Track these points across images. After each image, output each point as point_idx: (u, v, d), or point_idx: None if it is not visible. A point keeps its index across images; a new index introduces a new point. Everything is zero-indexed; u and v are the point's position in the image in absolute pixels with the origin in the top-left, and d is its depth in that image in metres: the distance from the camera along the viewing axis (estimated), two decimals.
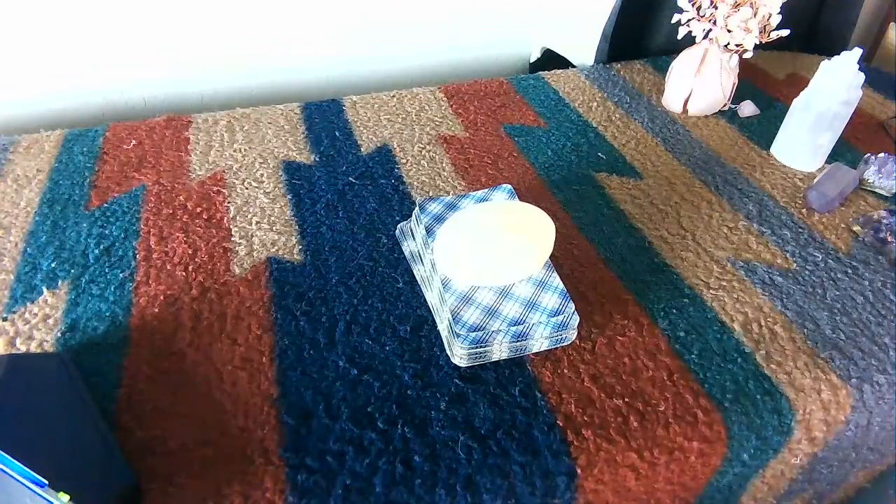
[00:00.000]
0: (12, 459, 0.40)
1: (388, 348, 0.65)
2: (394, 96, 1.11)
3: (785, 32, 0.98)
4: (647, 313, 0.71)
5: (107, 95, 1.13)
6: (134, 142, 0.95)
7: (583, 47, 1.26)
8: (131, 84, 1.13)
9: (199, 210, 0.82)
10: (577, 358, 0.65)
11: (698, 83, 1.06)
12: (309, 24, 1.18)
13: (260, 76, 1.21)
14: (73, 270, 0.73)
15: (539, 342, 0.63)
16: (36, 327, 0.66)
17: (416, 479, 0.54)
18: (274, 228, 0.80)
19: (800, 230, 0.84)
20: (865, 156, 0.95)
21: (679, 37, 1.05)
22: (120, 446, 0.54)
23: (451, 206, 0.74)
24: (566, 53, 1.31)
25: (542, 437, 0.57)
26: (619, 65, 1.24)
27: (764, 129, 1.06)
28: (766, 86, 1.20)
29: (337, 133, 1.00)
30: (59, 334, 0.65)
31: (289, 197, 0.86)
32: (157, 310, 0.68)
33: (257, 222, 0.81)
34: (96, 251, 0.75)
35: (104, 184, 0.87)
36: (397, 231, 0.79)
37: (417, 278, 0.73)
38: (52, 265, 0.73)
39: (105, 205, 0.83)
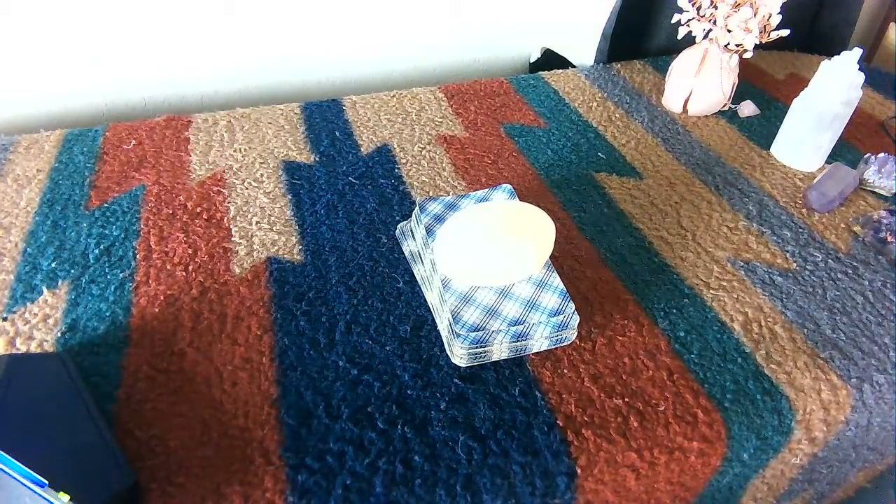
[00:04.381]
0: (12, 459, 0.40)
1: (388, 348, 0.65)
2: (394, 96, 1.11)
3: (785, 32, 0.98)
4: (647, 313, 0.71)
5: (107, 96, 1.13)
6: (134, 142, 0.95)
7: (583, 47, 1.26)
8: (131, 84, 1.13)
9: (199, 210, 0.82)
10: (577, 358, 0.65)
11: (698, 83, 1.06)
12: (309, 25, 1.18)
13: (260, 76, 1.21)
14: (73, 270, 0.73)
15: (539, 342, 0.63)
16: (36, 327, 0.66)
17: (416, 479, 0.54)
18: (274, 228, 0.80)
19: (800, 230, 0.84)
20: (865, 156, 0.95)
21: (679, 37, 1.05)
22: (120, 446, 0.54)
23: (451, 206, 0.74)
24: (566, 53, 1.31)
25: (542, 437, 0.57)
26: (619, 65, 1.24)
27: (764, 129, 1.06)
28: (766, 86, 1.20)
29: (337, 133, 1.00)
30: (59, 334, 0.65)
31: (289, 197, 0.86)
32: (157, 310, 0.68)
33: (257, 222, 0.81)
34: (96, 251, 0.75)
35: (104, 184, 0.87)
36: (397, 231, 0.79)
37: (417, 278, 0.73)
38: (52, 265, 0.73)
39: (105, 205, 0.83)
